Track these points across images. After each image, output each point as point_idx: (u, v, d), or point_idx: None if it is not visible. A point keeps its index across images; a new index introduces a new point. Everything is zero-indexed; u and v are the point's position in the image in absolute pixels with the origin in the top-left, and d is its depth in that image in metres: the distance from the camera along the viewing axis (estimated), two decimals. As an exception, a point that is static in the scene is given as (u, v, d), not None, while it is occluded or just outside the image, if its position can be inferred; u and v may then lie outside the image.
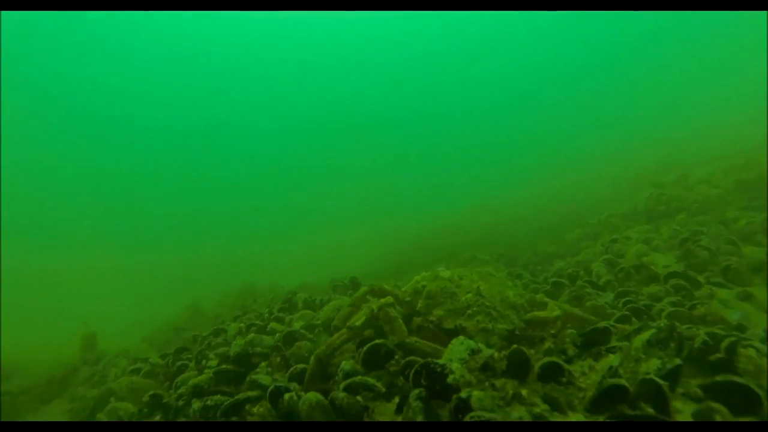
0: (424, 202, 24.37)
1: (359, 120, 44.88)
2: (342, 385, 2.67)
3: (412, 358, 2.73)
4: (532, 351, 2.63)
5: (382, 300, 3.37)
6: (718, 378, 2.28)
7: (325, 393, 2.71)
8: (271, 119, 48.11)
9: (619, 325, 3.55)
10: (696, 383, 2.36)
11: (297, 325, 4.49)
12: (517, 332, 3.23)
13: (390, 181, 28.77)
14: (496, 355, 2.71)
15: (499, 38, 48.45)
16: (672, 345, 3.03)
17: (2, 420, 4.44)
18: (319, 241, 17.54)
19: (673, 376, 2.29)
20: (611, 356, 2.54)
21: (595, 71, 43.02)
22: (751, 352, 2.63)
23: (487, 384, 2.33)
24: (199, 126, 47.36)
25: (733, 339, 2.84)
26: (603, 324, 2.96)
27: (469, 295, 3.45)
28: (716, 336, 3.06)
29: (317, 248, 16.29)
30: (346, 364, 2.91)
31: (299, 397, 2.68)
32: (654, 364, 2.36)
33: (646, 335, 3.05)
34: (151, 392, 3.81)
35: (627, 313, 3.78)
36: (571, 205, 11.98)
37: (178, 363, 4.47)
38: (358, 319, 3.37)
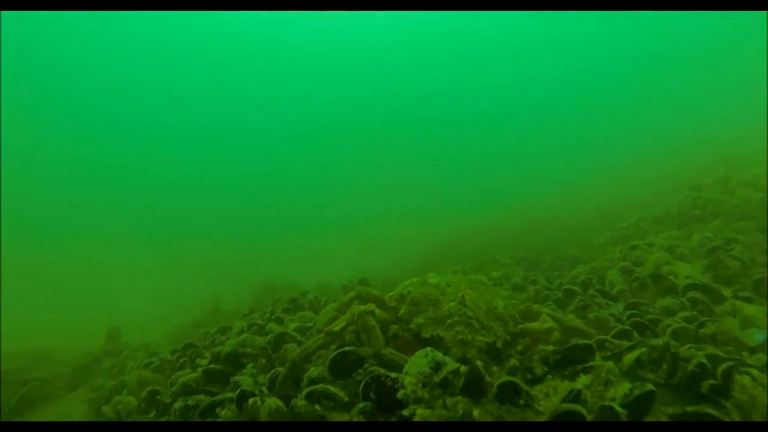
0: (460, 203, 23.99)
1: (392, 120, 44.80)
2: (304, 392, 2.67)
3: (374, 368, 2.67)
4: (495, 368, 2.51)
5: (362, 307, 3.33)
6: (689, 408, 2.06)
7: (291, 399, 2.72)
8: (301, 118, 48.85)
9: (616, 341, 3.32)
10: (672, 412, 2.15)
11: (291, 327, 4.55)
12: (498, 345, 3.09)
13: (424, 182, 28.52)
14: (462, 369, 2.61)
15: (537, 40, 46.84)
16: (664, 366, 2.80)
17: (8, 413, 4.80)
18: (348, 240, 17.69)
19: (642, 402, 2.10)
20: (582, 377, 2.37)
21: (636, 75, 40.67)
22: (746, 380, 2.37)
23: (439, 402, 2.24)
24: (225, 125, 48.65)
25: (730, 364, 2.58)
26: (583, 341, 2.76)
27: (453, 303, 3.34)
28: (717, 359, 2.79)
29: (345, 247, 16.42)
30: (313, 371, 2.91)
31: (263, 401, 2.70)
32: (623, 388, 2.18)
33: (634, 354, 2.84)
34: (150, 388, 3.99)
35: (628, 327, 3.53)
36: (606, 207, 11.35)
37: (182, 359, 4.65)
38: (337, 325, 3.36)
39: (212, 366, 3.78)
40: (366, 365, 2.93)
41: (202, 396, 3.36)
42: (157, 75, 48.52)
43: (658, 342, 3.05)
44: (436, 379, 2.44)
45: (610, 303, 4.59)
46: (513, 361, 2.59)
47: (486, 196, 23.43)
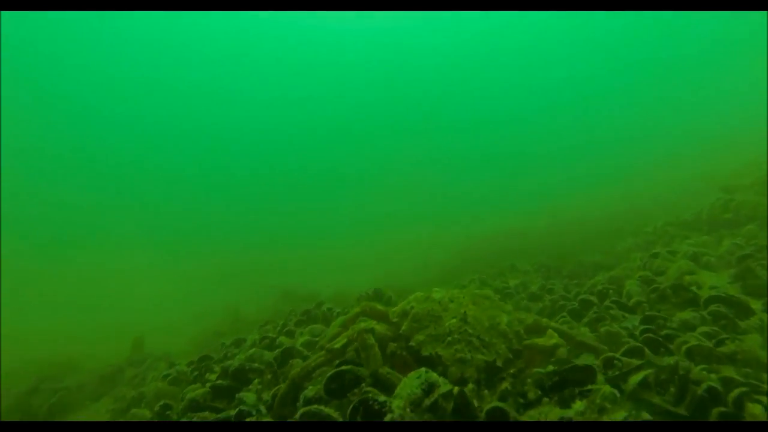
0: (488, 205, 23.63)
1: (415, 123, 44.52)
2: (298, 413, 2.68)
3: (368, 389, 2.66)
4: (486, 392, 2.44)
5: (362, 324, 3.32)
6: (686, 443, 1.94)
7: (286, 419, 2.74)
8: (322, 121, 48.79)
9: (625, 359, 3.18)
10: (671, 444, 2.03)
11: (300, 341, 4.58)
12: (498, 364, 3.01)
13: (449, 184, 28.26)
14: (455, 391, 2.56)
15: (558, 41, 45.60)
16: (672, 389, 2.66)
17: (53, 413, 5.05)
18: (370, 244, 17.70)
19: (637, 434, 1.99)
20: (577, 403, 2.28)
21: (665, 73, 38.92)
22: (757, 409, 2.22)
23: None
24: (240, 128, 48.84)
25: (743, 390, 2.42)
26: (584, 362, 2.65)
27: (454, 320, 3.28)
28: (732, 382, 2.63)
29: (367, 252, 16.44)
30: (310, 390, 2.92)
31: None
32: (617, 417, 2.08)
33: (639, 376, 2.71)
34: (162, 402, 4.11)
35: (640, 344, 3.37)
36: (634, 208, 10.91)
37: (195, 373, 4.77)
38: (338, 342, 3.36)
39: (219, 381, 3.85)
40: (363, 384, 2.92)
41: (207, 413, 3.44)
42: (172, 78, 48.77)
43: (669, 362, 2.91)
44: (427, 402, 2.40)
45: (626, 315, 4.41)
46: (505, 385, 2.51)
47: (514, 198, 23.02)
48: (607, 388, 2.28)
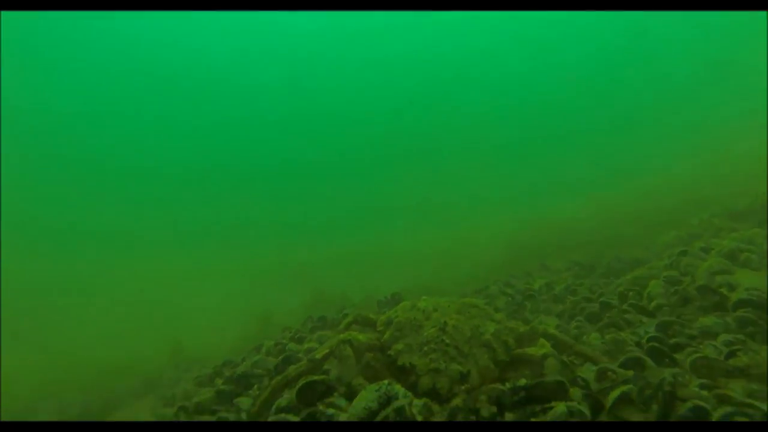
0: (532, 195, 22.58)
1: (464, 107, 42.34)
2: (269, 420, 2.77)
3: (329, 400, 2.69)
4: (437, 407, 2.37)
5: (341, 336, 3.36)
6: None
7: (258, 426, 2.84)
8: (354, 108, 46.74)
9: (620, 371, 2.96)
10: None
11: (305, 347, 4.70)
12: (474, 373, 2.91)
13: (492, 173, 27.15)
14: (415, 402, 2.52)
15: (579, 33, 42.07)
16: (654, 407, 2.43)
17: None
18: (412, 240, 17.39)
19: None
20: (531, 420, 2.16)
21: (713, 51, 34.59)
22: (736, 433, 1.96)
23: (370, 443, 2.19)
24: (271, 119, 47.38)
25: (729, 410, 2.16)
26: (554, 378, 2.50)
27: (433, 330, 3.23)
28: (729, 401, 2.36)
29: (408, 248, 16.20)
30: (284, 399, 3.00)
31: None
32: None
33: (617, 392, 2.51)
34: (180, 404, 4.40)
35: (640, 355, 3.09)
36: (685, 194, 9.92)
37: (213, 377, 5.06)
38: (320, 352, 3.42)
39: (223, 387, 4.06)
40: (335, 394, 2.95)
41: (206, 416, 3.64)
42: (186, 74, 46.68)
43: (659, 377, 2.65)
44: (380, 417, 2.38)
45: (644, 320, 4.06)
46: (456, 401, 2.42)
47: (557, 186, 21.80)
48: (561, 407, 2.13)
